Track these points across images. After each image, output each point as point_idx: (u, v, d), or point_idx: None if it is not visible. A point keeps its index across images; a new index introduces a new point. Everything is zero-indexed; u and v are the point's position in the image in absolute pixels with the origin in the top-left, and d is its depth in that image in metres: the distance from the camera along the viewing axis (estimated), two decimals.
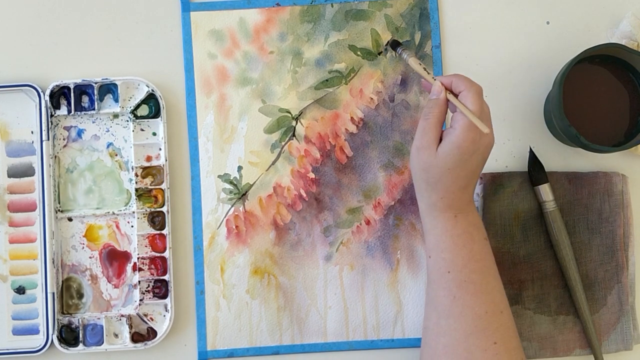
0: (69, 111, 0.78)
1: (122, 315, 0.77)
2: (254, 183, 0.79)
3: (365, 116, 0.80)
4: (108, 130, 0.79)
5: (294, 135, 0.79)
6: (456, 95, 0.68)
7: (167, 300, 0.77)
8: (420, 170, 0.69)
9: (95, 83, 0.78)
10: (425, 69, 0.71)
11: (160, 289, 0.77)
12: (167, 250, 0.77)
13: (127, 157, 0.79)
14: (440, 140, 0.68)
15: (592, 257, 0.78)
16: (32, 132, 0.78)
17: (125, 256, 0.78)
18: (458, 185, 0.68)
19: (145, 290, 0.77)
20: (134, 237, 0.78)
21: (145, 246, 0.77)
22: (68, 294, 0.78)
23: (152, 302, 0.77)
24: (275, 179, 0.79)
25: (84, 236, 0.78)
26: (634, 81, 0.74)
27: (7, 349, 0.76)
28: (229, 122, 0.79)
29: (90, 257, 0.78)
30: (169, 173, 0.78)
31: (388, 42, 0.79)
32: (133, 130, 0.78)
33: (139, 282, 0.77)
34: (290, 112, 0.80)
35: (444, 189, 0.68)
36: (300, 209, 0.79)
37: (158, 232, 0.77)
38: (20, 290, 0.77)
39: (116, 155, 0.79)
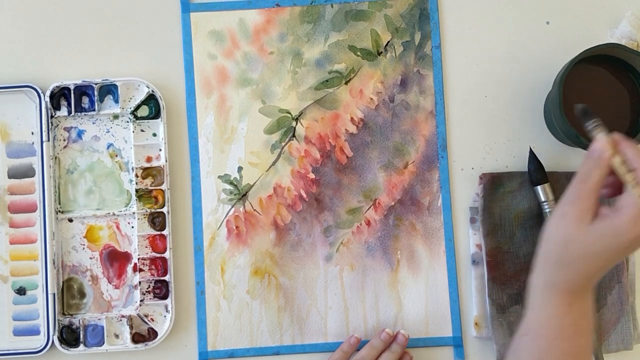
0: (69, 112, 0.78)
1: (123, 316, 0.77)
2: (254, 183, 0.79)
3: (365, 116, 0.80)
4: (108, 131, 0.79)
5: (294, 135, 0.79)
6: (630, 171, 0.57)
7: (168, 301, 0.77)
8: (557, 243, 0.59)
9: (96, 84, 0.78)
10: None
11: (160, 290, 0.77)
12: (168, 251, 0.77)
13: (127, 157, 0.79)
14: (596, 215, 0.58)
15: None
16: (32, 133, 0.78)
17: (125, 257, 0.78)
18: (591, 273, 0.59)
19: (146, 291, 0.77)
20: (134, 237, 0.78)
21: (146, 247, 0.78)
22: (69, 294, 0.78)
23: (153, 302, 0.77)
24: (276, 180, 0.79)
25: (84, 237, 0.78)
26: (634, 81, 0.74)
27: (8, 350, 0.76)
28: (229, 123, 0.79)
29: (90, 258, 0.78)
30: (169, 174, 0.78)
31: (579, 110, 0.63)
32: (133, 131, 0.78)
33: (140, 282, 0.77)
34: (290, 113, 0.80)
35: (574, 272, 0.59)
36: (300, 210, 0.79)
37: (158, 232, 0.78)
38: (21, 291, 0.77)
39: (116, 156, 0.79)
